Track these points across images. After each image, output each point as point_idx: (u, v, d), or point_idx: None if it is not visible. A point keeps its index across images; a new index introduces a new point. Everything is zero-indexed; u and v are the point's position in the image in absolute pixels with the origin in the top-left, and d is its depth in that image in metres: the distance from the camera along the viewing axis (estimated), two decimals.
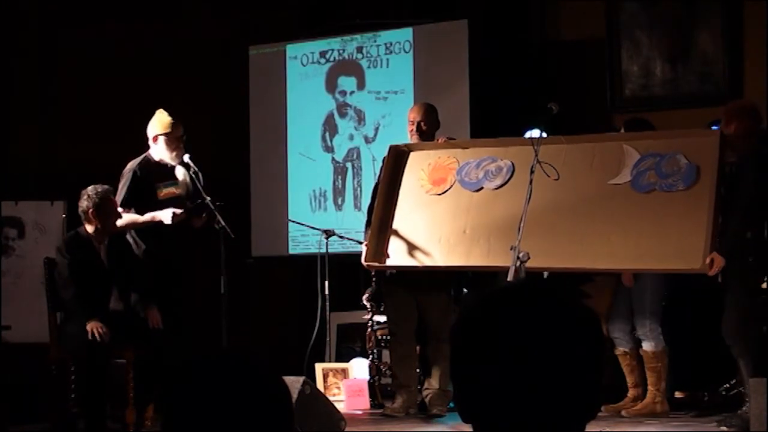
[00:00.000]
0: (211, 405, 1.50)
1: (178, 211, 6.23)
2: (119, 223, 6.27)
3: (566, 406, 1.40)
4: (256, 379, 1.55)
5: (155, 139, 6.42)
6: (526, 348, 1.39)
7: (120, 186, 6.38)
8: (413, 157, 6.44)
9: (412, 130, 6.53)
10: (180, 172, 6.44)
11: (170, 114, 6.42)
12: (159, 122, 6.41)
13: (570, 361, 1.40)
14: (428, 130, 6.50)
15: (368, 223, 6.42)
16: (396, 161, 6.43)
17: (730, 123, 5.66)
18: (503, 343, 1.41)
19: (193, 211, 6.36)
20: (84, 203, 6.08)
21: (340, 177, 8.56)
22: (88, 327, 5.84)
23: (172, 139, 6.39)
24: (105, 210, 6.07)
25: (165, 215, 6.22)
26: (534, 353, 1.39)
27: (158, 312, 6.16)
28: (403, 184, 6.37)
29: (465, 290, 6.90)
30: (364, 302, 6.91)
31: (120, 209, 6.29)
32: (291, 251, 8.54)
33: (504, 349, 1.40)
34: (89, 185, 6.15)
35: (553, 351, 1.40)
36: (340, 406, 6.25)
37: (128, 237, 6.38)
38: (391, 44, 8.36)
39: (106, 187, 6.12)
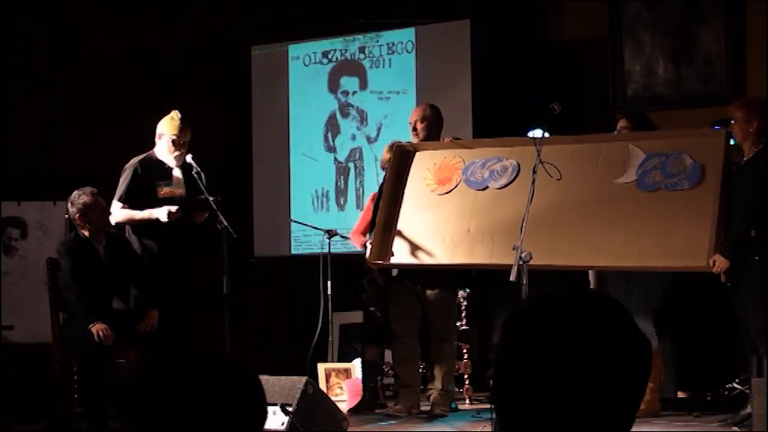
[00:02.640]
0: (174, 405, 1.51)
1: (174, 208, 6.25)
2: (117, 218, 6.29)
3: (601, 417, 1.40)
4: (218, 378, 1.55)
5: (160, 136, 6.46)
6: (570, 355, 1.39)
7: (120, 180, 6.41)
8: (419, 156, 6.45)
9: (415, 131, 6.55)
10: (178, 173, 6.45)
11: (182, 117, 6.43)
12: (168, 122, 6.45)
13: (614, 373, 1.40)
14: (425, 130, 6.50)
15: (373, 222, 6.42)
16: (402, 161, 6.44)
17: (753, 119, 5.64)
18: (548, 346, 1.40)
19: (193, 207, 6.37)
20: (70, 210, 6.09)
21: (342, 177, 8.56)
22: (93, 329, 5.84)
23: (176, 142, 6.41)
24: (91, 212, 6.05)
25: (161, 213, 6.25)
26: (577, 361, 1.39)
27: (156, 314, 6.17)
28: (408, 184, 6.39)
29: (468, 290, 6.89)
30: None
31: (119, 204, 6.31)
32: (293, 251, 8.54)
33: (548, 353, 1.40)
34: (92, 185, 6.15)
35: (598, 362, 1.39)
36: (343, 406, 6.25)
37: (128, 235, 6.40)
38: (393, 44, 8.36)
39: (89, 189, 6.08)
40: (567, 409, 1.38)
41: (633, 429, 1.37)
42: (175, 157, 6.42)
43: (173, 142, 6.41)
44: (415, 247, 6.22)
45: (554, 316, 1.43)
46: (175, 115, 6.45)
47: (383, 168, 6.72)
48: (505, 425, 1.44)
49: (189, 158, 6.42)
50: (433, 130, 6.53)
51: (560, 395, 1.38)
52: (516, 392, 1.42)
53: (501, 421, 1.44)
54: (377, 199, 6.49)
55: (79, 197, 6.04)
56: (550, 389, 1.39)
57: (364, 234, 6.70)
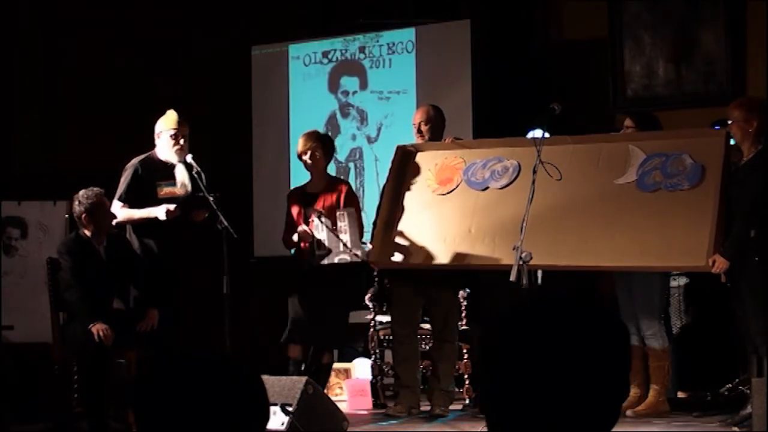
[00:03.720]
0: (175, 405, 1.51)
1: (172, 207, 6.26)
2: (116, 217, 6.31)
3: (586, 414, 1.40)
4: (219, 378, 1.55)
5: (159, 135, 6.47)
6: (549, 354, 1.40)
7: (121, 181, 6.43)
8: (420, 157, 6.46)
9: (419, 131, 6.54)
10: (179, 173, 6.45)
11: (178, 114, 6.45)
12: (165, 118, 6.48)
13: (594, 369, 1.41)
14: (429, 131, 6.50)
15: (375, 223, 6.43)
16: (403, 161, 6.44)
17: (752, 119, 5.61)
18: (527, 347, 1.41)
19: (192, 205, 6.38)
20: (76, 209, 6.11)
21: (342, 177, 8.55)
22: (93, 329, 5.85)
23: (175, 136, 6.42)
24: (98, 213, 6.08)
25: (159, 211, 6.26)
26: (557, 360, 1.39)
27: (157, 314, 6.17)
28: (409, 184, 6.39)
29: (468, 290, 6.89)
30: (367, 302, 6.90)
31: (119, 203, 6.32)
32: (294, 251, 8.53)
33: (528, 354, 1.40)
34: (92, 185, 6.16)
35: (577, 358, 1.40)
36: (343, 406, 6.25)
37: (128, 235, 6.41)
38: (393, 44, 8.36)
39: (96, 189, 6.12)
40: (549, 407, 1.39)
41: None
42: (176, 152, 6.42)
43: (172, 136, 6.42)
44: (416, 248, 6.22)
45: (534, 317, 1.44)
46: (170, 112, 6.48)
47: (299, 157, 6.59)
48: (494, 425, 1.44)
49: (189, 158, 6.43)
50: (436, 131, 6.53)
51: (543, 394, 1.39)
52: (501, 394, 1.42)
53: (489, 422, 1.45)
54: (380, 200, 6.50)
55: (87, 197, 6.06)
56: (533, 389, 1.39)
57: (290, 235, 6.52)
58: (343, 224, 6.26)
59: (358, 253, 6.24)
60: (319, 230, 6.30)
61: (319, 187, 6.54)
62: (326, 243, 6.28)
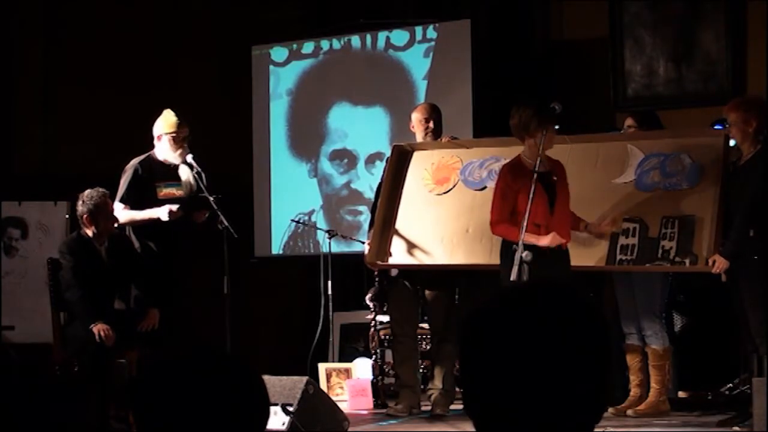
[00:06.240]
0: (176, 404, 1.51)
1: (174, 207, 6.27)
2: (118, 219, 6.32)
3: (570, 408, 1.40)
4: (220, 377, 1.55)
5: (159, 137, 6.47)
6: (530, 348, 1.39)
7: (121, 182, 6.44)
8: (417, 156, 6.45)
9: (427, 128, 6.50)
10: (184, 173, 6.46)
11: (177, 114, 6.45)
12: (165, 121, 6.46)
13: (575, 361, 1.40)
14: (437, 128, 6.51)
15: (372, 223, 6.42)
16: (399, 160, 6.44)
17: (751, 119, 5.60)
18: (507, 342, 1.40)
19: (193, 206, 6.38)
20: (79, 208, 6.11)
21: (347, 176, 8.56)
22: (94, 329, 5.86)
23: (176, 138, 6.42)
24: (100, 214, 6.08)
25: (162, 212, 6.27)
26: (538, 353, 1.39)
27: (157, 314, 6.18)
28: (406, 184, 6.39)
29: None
30: (367, 302, 6.90)
31: (120, 205, 6.33)
32: (294, 251, 8.54)
33: (508, 349, 1.40)
34: (92, 186, 6.17)
35: (557, 351, 1.39)
36: (344, 406, 6.25)
37: (127, 234, 6.42)
38: (393, 44, 8.36)
39: (101, 190, 6.12)
40: (529, 403, 1.39)
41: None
42: (179, 154, 6.43)
43: (173, 139, 6.42)
44: (413, 248, 6.22)
45: (510, 313, 1.43)
46: (168, 113, 6.47)
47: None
48: (479, 424, 1.45)
49: (189, 158, 6.44)
50: (437, 129, 6.53)
51: (522, 390, 1.39)
52: (481, 392, 1.42)
53: (474, 420, 1.45)
54: (375, 200, 6.49)
55: (91, 197, 6.07)
56: (512, 386, 1.39)
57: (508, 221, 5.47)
58: None
59: None
60: None
61: (542, 163, 5.46)
62: None
